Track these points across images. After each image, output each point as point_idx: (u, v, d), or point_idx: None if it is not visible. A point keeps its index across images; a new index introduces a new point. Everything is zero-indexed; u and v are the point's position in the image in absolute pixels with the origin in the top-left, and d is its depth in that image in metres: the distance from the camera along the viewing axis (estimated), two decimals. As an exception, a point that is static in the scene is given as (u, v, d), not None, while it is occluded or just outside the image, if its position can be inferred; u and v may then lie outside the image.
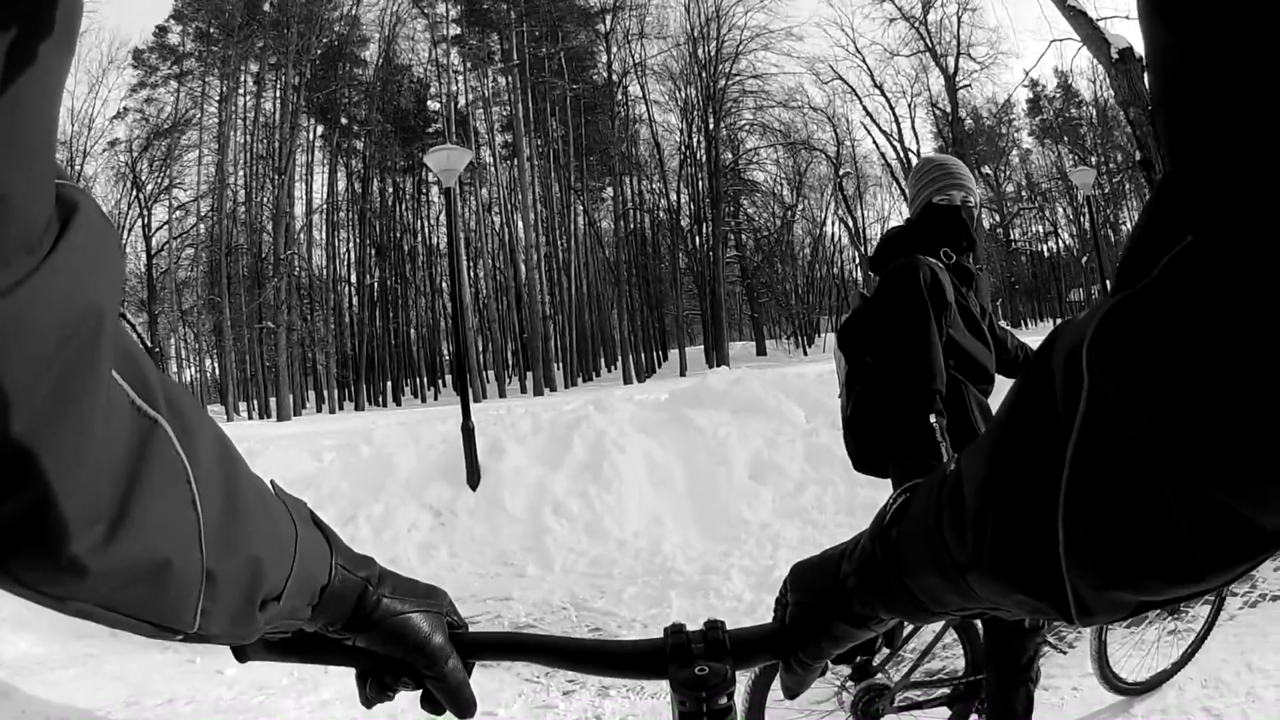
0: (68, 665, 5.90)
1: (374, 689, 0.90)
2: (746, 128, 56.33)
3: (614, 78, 54.37)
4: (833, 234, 59.03)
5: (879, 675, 3.37)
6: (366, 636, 0.86)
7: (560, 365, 51.58)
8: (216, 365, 52.20)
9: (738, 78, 54.77)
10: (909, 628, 2.31)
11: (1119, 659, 4.11)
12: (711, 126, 53.06)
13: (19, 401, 0.41)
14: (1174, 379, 0.40)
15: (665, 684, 0.87)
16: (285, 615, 0.75)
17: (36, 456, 0.43)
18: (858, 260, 56.25)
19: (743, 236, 58.16)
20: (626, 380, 47.44)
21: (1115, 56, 15.38)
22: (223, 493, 0.62)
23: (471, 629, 0.93)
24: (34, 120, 0.38)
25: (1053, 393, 0.50)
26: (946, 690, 3.57)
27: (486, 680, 5.03)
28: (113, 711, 5.13)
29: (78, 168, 45.90)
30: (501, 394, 49.07)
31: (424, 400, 53.96)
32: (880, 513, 0.78)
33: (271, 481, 0.77)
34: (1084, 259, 51.90)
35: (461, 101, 53.98)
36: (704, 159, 53.11)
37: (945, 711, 3.58)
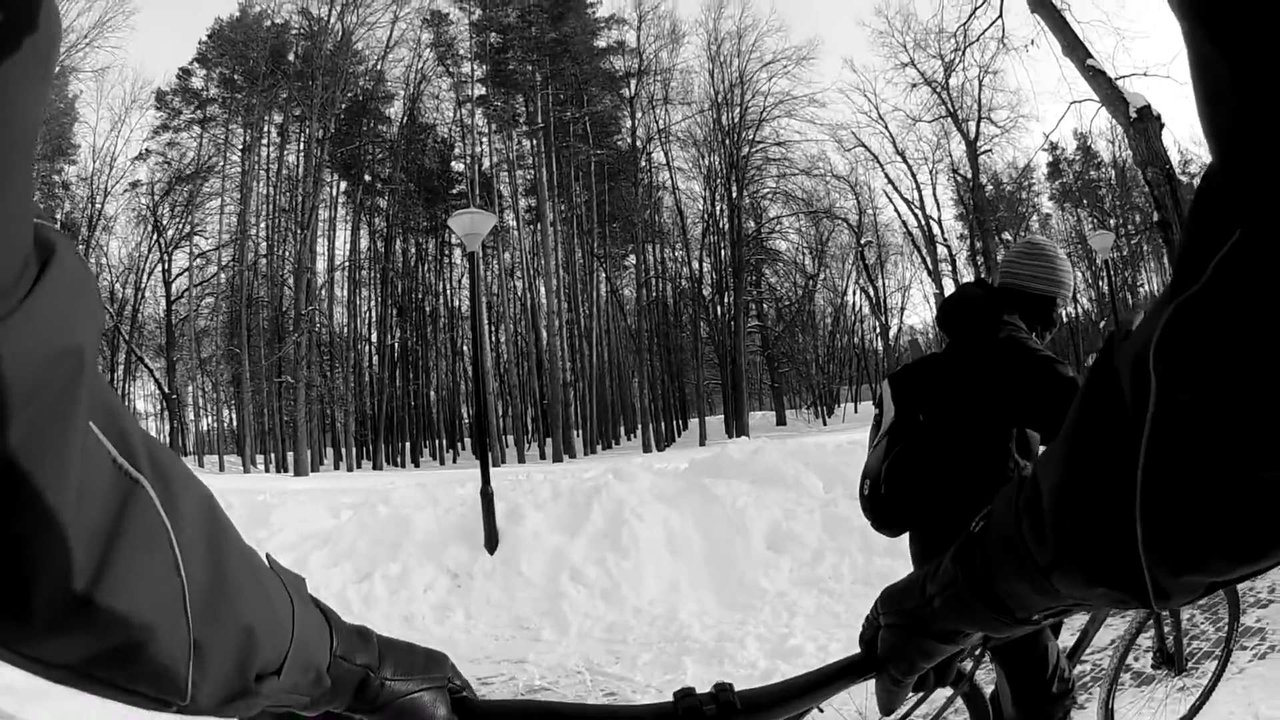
0: (76, 694, 5.82)
1: None
2: (769, 195, 56.43)
3: (638, 143, 54.49)
4: (854, 304, 59.11)
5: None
6: None
7: (580, 432, 51.48)
8: (234, 416, 51.96)
9: (761, 145, 55.00)
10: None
11: (1129, 718, 4.14)
12: (735, 194, 53.16)
13: None
14: (1237, 375, 0.41)
15: None
16: (288, 690, 0.73)
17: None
18: (878, 330, 56.25)
19: (764, 306, 58.04)
20: (646, 449, 47.19)
21: (1134, 115, 15.48)
22: (209, 560, 0.59)
23: (485, 692, 0.93)
24: (10, 124, 0.35)
25: (1121, 396, 0.54)
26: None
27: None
28: (121, 742, 5.07)
29: (98, 205, 46.46)
30: (521, 459, 48.75)
31: (442, 463, 53.82)
32: (965, 533, 0.83)
33: (267, 555, 0.75)
34: (1101, 323, 51.69)
35: (486, 163, 54.24)
36: (727, 227, 53.14)
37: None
